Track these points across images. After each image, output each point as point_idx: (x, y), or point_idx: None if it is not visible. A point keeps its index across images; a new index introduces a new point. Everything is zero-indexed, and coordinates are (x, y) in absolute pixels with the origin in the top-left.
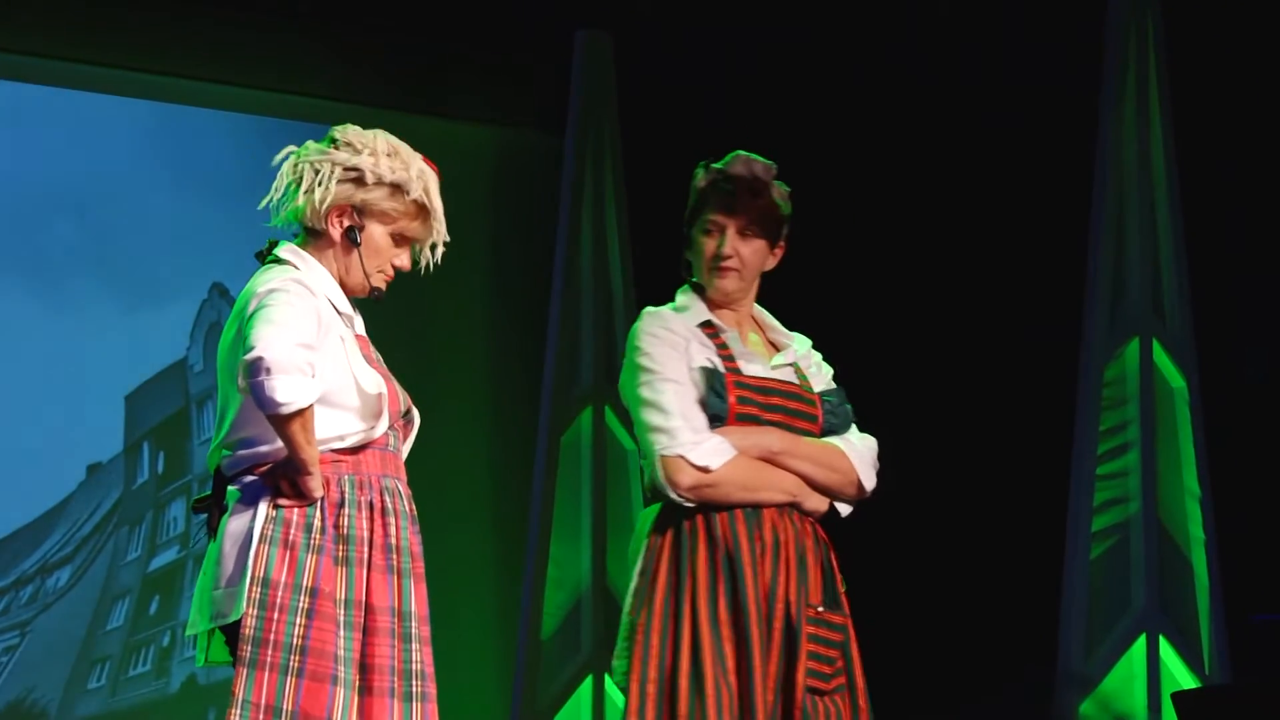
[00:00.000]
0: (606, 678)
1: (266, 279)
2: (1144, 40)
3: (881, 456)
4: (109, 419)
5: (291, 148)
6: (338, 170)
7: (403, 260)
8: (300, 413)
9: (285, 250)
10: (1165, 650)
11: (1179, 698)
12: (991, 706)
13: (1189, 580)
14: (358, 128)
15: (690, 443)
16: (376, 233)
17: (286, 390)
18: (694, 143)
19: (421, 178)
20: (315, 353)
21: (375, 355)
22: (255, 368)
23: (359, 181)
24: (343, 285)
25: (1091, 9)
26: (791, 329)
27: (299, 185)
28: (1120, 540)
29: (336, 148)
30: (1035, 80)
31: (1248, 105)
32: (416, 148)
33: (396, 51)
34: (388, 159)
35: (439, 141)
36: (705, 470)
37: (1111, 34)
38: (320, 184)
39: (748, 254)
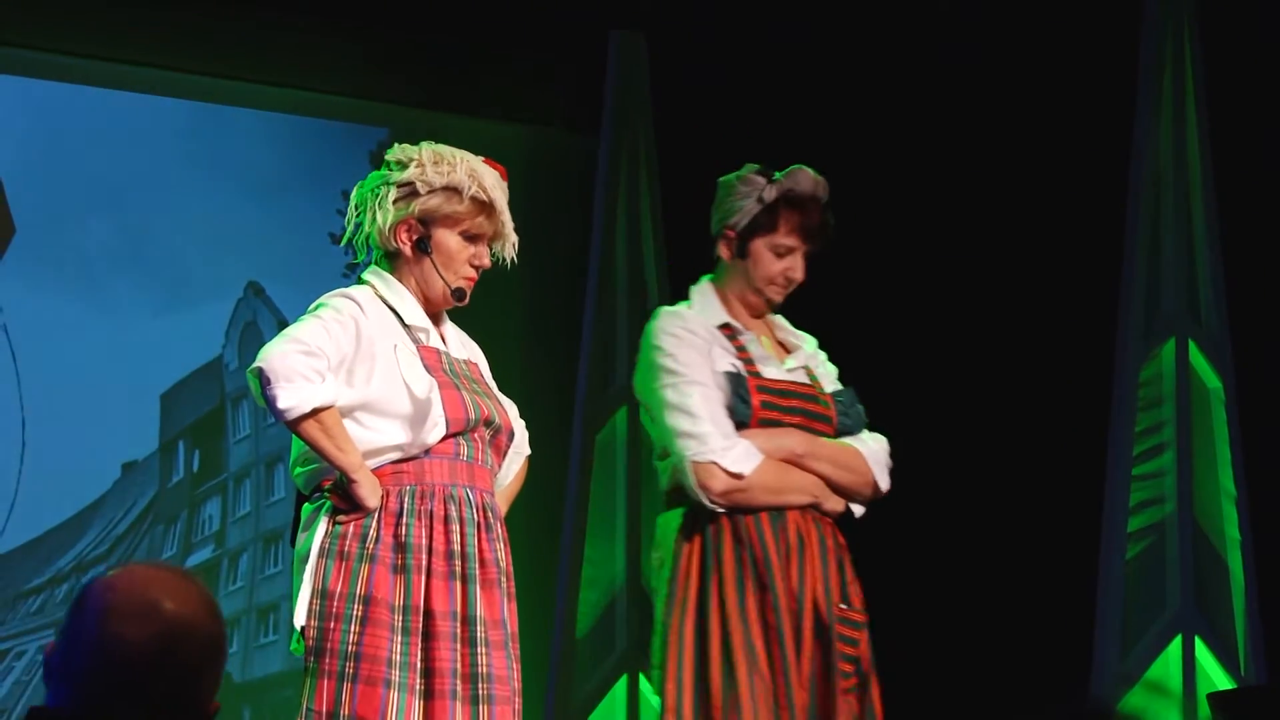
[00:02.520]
0: (641, 676)
1: (324, 298)
2: (1180, 39)
3: (917, 459)
4: (144, 417)
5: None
6: (392, 190)
7: (483, 258)
8: (310, 416)
9: (369, 273)
10: (1201, 651)
11: (1215, 698)
12: (1027, 708)
13: (1225, 581)
14: (405, 145)
15: (722, 448)
16: (445, 238)
17: (287, 396)
18: (727, 143)
19: (474, 176)
20: (322, 360)
21: (454, 368)
22: (260, 379)
23: (412, 195)
24: (427, 298)
25: (1128, 7)
26: (824, 330)
27: (366, 216)
28: (1156, 541)
29: (390, 170)
30: (1071, 79)
31: None
32: (449, 145)
33: (429, 51)
34: (434, 166)
35: (471, 141)
36: (739, 476)
37: (1148, 32)
38: (380, 207)
39: (803, 272)
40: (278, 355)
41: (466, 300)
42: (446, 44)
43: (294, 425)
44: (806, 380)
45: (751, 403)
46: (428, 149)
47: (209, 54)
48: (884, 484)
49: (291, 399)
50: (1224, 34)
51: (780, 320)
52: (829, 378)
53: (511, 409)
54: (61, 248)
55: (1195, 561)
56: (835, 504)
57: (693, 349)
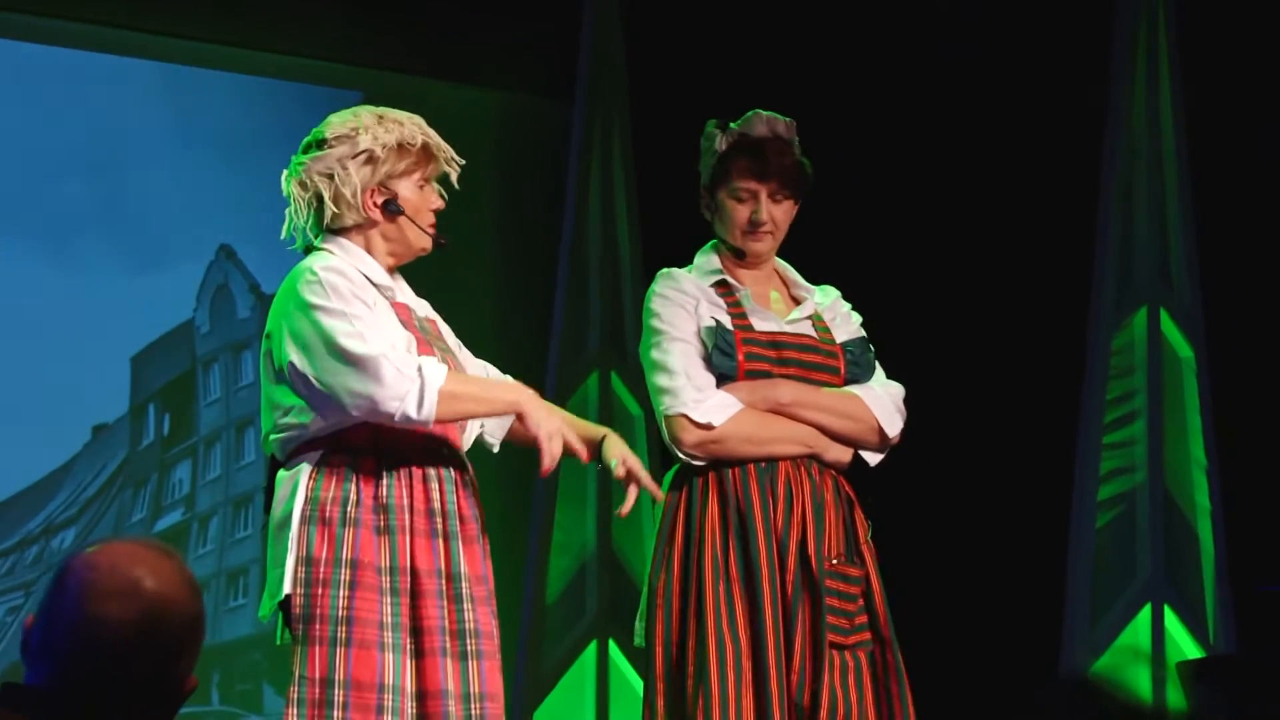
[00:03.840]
0: (611, 643)
1: (306, 284)
2: (1154, 9)
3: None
4: (115, 380)
5: (284, 175)
6: (349, 163)
7: (436, 200)
8: (440, 404)
9: (327, 244)
10: (1170, 620)
11: (1184, 667)
12: (996, 676)
13: (1194, 550)
14: (336, 117)
15: (693, 401)
16: (408, 191)
17: (414, 408)
18: (702, 110)
19: (413, 122)
20: (402, 352)
21: (423, 325)
22: (382, 411)
23: (372, 159)
24: (399, 255)
25: None
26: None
27: (322, 198)
28: (1126, 509)
29: (330, 146)
30: (1044, 49)
31: (1258, 74)
32: (422, 112)
33: (403, 15)
34: (380, 126)
35: (446, 106)
36: (708, 427)
37: (1122, 3)
38: (343, 184)
39: (780, 216)
40: (375, 372)
41: (446, 244)
42: (421, 8)
43: (441, 421)
44: (810, 332)
45: (736, 355)
46: (365, 112)
47: (183, 16)
48: (891, 430)
49: (424, 411)
50: (1198, 4)
51: (792, 274)
52: (848, 328)
53: (488, 371)
54: (33, 210)
55: (1165, 530)
56: (839, 453)
57: (680, 307)
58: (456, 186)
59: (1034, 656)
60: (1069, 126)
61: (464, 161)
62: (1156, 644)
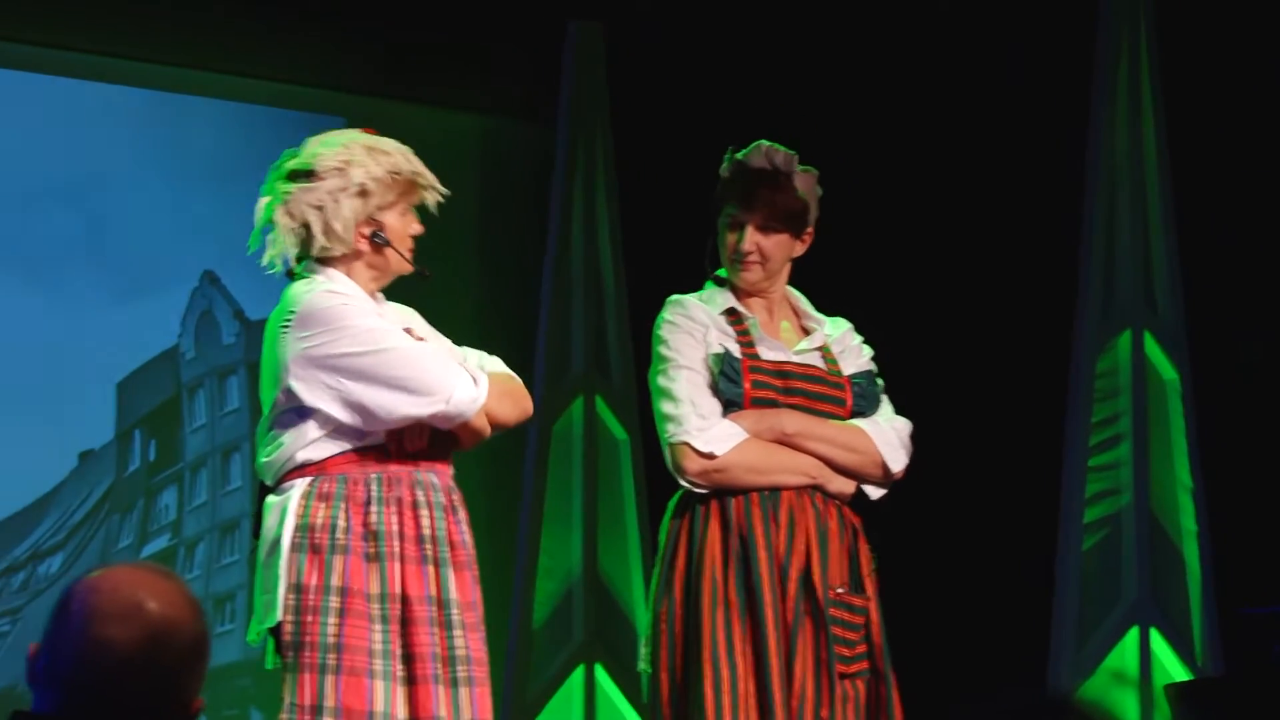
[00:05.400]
0: (598, 667)
1: (314, 304)
2: (1136, 31)
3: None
4: (100, 406)
5: (265, 200)
6: (340, 197)
7: (416, 226)
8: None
9: (317, 273)
10: (1157, 642)
11: (1172, 689)
12: (983, 698)
13: (1180, 572)
14: (325, 145)
15: (697, 429)
16: (393, 222)
17: (469, 401)
18: (684, 135)
19: (400, 152)
20: (439, 349)
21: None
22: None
23: (364, 193)
24: (380, 280)
25: (1084, 1)
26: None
27: (310, 229)
28: (1112, 532)
29: (320, 178)
30: (1027, 72)
31: (1239, 97)
32: (405, 136)
33: (385, 39)
34: (371, 157)
35: (428, 130)
36: (710, 456)
37: (1104, 24)
38: (333, 217)
39: (769, 247)
40: (434, 388)
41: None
42: (404, 33)
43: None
44: (819, 363)
45: (742, 383)
46: (357, 143)
47: (166, 42)
48: (895, 466)
49: (466, 405)
50: (1179, 26)
51: (804, 305)
52: (854, 360)
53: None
54: (17, 236)
55: (1151, 553)
56: (841, 485)
57: (687, 334)
58: (434, 212)
59: (1021, 679)
60: (1052, 152)
61: (448, 192)
62: (1143, 666)
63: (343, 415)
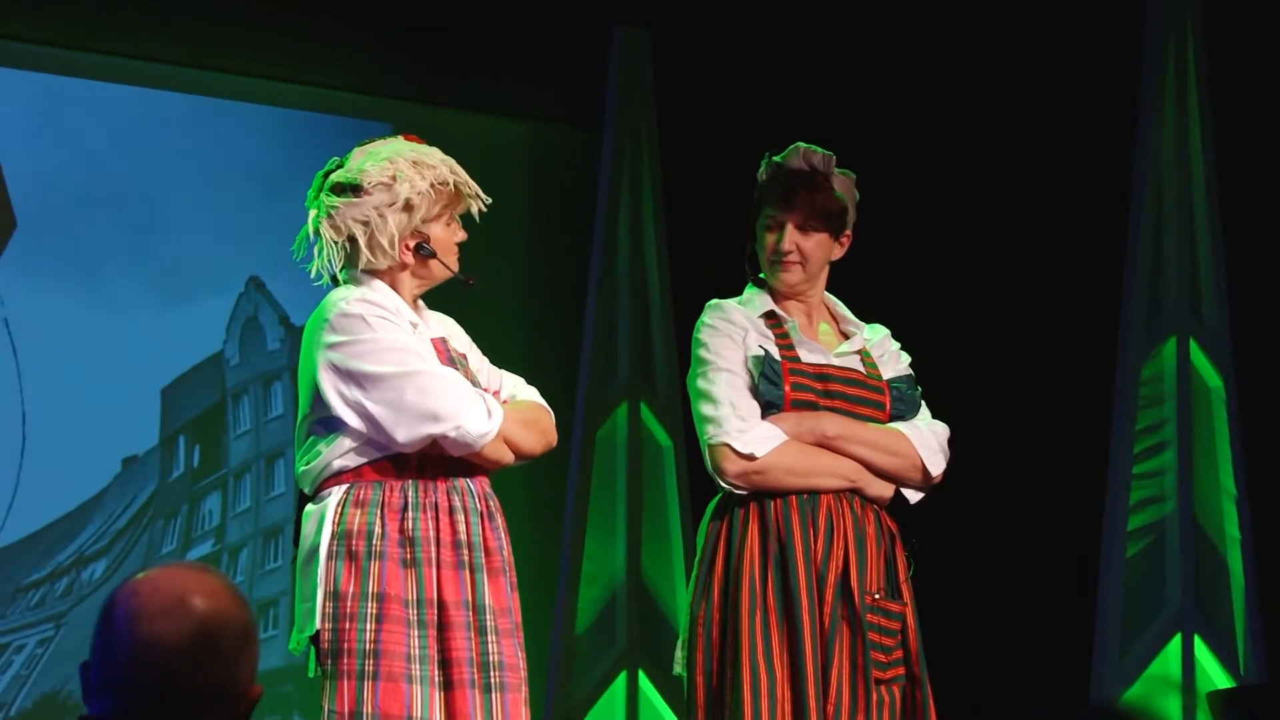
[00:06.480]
0: (641, 673)
1: (346, 311)
2: (1184, 38)
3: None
4: (145, 412)
5: (312, 213)
6: (386, 212)
7: (460, 234)
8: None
9: (358, 282)
10: (1200, 650)
11: (1214, 697)
12: (1026, 706)
13: (1225, 580)
14: (371, 158)
15: (736, 430)
16: (439, 233)
17: (476, 434)
18: (730, 140)
19: (447, 163)
20: (461, 376)
21: (454, 357)
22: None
23: (409, 208)
24: (423, 288)
25: (1132, 6)
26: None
27: (356, 242)
28: (1156, 539)
29: (366, 193)
30: (1074, 78)
31: None
32: (450, 142)
33: (432, 46)
34: (416, 171)
35: (474, 137)
36: (750, 458)
37: (1151, 31)
38: (380, 231)
39: (809, 248)
40: (447, 415)
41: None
42: (449, 39)
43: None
44: (858, 367)
45: (783, 385)
46: (401, 156)
47: (211, 49)
48: (934, 469)
49: (481, 431)
50: (1227, 33)
51: (842, 309)
52: (893, 365)
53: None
54: (63, 242)
55: (1195, 560)
56: (880, 489)
57: (727, 337)
58: (478, 220)
59: (1064, 686)
60: (1098, 158)
61: (490, 200)
62: (1187, 674)
63: (362, 427)
